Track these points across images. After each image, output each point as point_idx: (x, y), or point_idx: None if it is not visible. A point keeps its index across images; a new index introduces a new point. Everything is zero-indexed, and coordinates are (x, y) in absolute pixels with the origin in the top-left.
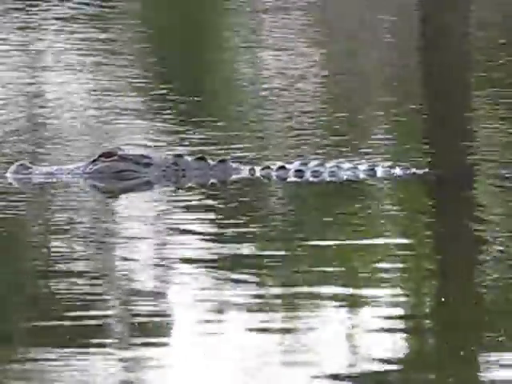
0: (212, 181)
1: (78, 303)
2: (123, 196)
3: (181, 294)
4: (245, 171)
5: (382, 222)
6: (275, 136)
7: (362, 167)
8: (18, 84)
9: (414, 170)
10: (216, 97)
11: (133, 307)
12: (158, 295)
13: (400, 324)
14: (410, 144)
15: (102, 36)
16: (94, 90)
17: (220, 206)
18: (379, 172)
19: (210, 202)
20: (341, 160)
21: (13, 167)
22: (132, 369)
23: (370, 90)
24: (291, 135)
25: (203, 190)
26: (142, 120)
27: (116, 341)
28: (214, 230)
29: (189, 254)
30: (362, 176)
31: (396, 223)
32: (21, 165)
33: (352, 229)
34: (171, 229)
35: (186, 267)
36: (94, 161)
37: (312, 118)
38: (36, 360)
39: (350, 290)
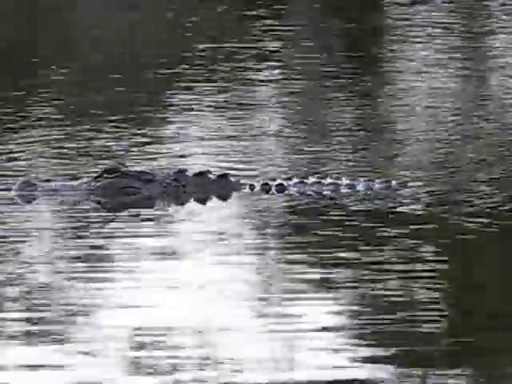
0: (212, 196)
1: None
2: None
3: None
4: (245, 186)
5: None
6: None
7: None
8: None
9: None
10: None
11: None
12: None
13: None
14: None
15: None
16: None
17: None
18: (360, 186)
19: None
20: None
21: (17, 184)
22: None
23: None
24: None
25: None
26: None
27: None
28: None
29: None
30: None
31: None
32: (24, 182)
33: None
34: None
35: None
36: (98, 177)
37: None
38: None
39: None
